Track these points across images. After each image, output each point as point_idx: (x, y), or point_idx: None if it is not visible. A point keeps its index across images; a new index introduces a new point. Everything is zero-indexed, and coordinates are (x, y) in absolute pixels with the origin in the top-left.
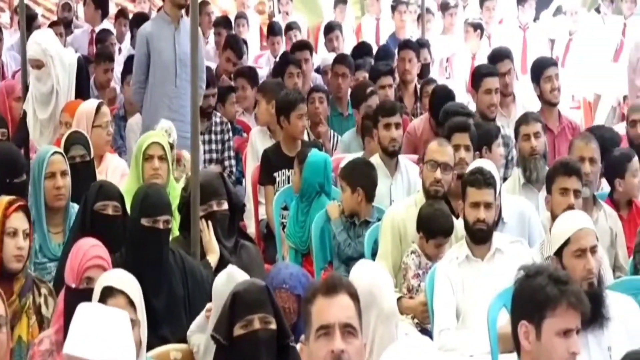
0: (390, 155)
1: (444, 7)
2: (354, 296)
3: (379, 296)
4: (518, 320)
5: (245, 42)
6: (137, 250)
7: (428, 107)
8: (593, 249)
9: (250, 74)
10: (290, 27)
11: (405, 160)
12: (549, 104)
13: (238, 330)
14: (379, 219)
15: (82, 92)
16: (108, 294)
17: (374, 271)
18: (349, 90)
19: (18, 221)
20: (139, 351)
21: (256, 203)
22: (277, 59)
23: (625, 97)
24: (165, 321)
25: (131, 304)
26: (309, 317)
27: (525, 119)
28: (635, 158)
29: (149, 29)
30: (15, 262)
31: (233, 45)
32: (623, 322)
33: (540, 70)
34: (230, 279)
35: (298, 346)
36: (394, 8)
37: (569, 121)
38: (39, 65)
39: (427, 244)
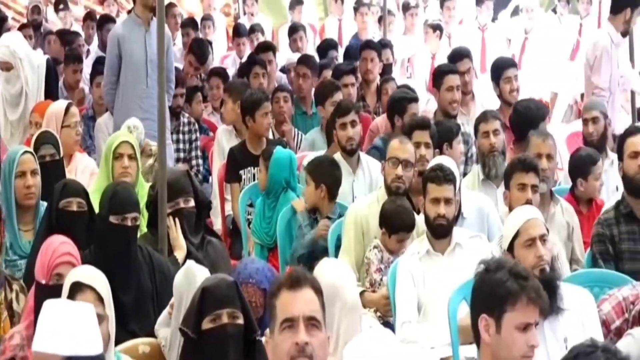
0: (349, 153)
1: (405, 8)
2: (318, 290)
3: (342, 290)
4: (479, 313)
5: (210, 44)
6: (106, 247)
7: (386, 108)
8: (542, 238)
9: (223, 73)
10: (253, 29)
11: (367, 157)
12: (507, 103)
13: (207, 324)
14: (341, 215)
15: (51, 93)
16: (77, 289)
17: (337, 267)
18: (313, 90)
19: None
20: (108, 345)
21: (222, 200)
22: (243, 60)
23: (582, 95)
24: (133, 316)
25: (100, 299)
26: (274, 310)
27: (484, 116)
28: (600, 162)
29: (120, 31)
30: None
31: (195, 50)
32: (579, 314)
33: (500, 71)
34: (188, 275)
35: (263, 339)
36: (356, 9)
37: None
38: (8, 67)
39: (389, 239)
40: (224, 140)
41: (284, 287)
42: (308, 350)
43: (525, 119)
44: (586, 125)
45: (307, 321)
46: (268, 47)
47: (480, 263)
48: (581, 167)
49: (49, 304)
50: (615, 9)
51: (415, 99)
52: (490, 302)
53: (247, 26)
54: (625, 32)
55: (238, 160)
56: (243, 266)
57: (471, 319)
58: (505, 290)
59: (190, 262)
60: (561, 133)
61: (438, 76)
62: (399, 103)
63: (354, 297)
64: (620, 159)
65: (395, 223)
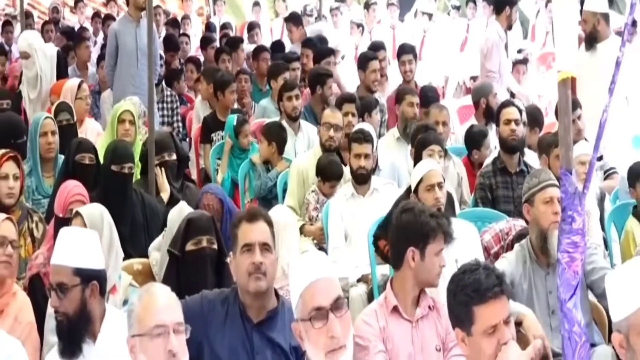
0: (293, 119)
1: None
2: (270, 223)
3: (286, 226)
4: (406, 246)
5: (188, 37)
6: (108, 189)
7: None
8: (440, 185)
9: (196, 61)
10: (224, 26)
11: (306, 123)
12: (407, 82)
13: (190, 247)
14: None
15: (61, 76)
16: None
17: (284, 210)
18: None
19: (9, 167)
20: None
21: (197, 156)
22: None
23: (473, 77)
24: (129, 242)
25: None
26: (236, 238)
27: (404, 91)
28: (489, 136)
29: (116, 27)
30: (7, 199)
31: (167, 44)
32: (466, 242)
33: (399, 55)
34: (181, 211)
35: (228, 260)
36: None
37: None
38: (26, 56)
39: (323, 185)
40: (200, 110)
41: (243, 220)
42: (262, 268)
43: (427, 97)
44: (478, 107)
45: (261, 246)
46: (239, 40)
47: (395, 204)
48: (476, 140)
49: (63, 231)
50: (498, 9)
51: (330, 75)
52: (417, 237)
53: (217, 24)
54: (509, 27)
55: (210, 126)
56: (207, 186)
57: (395, 248)
58: (429, 228)
59: (183, 203)
60: (453, 106)
61: (363, 61)
62: (318, 76)
63: (295, 231)
64: (497, 124)
65: (328, 173)
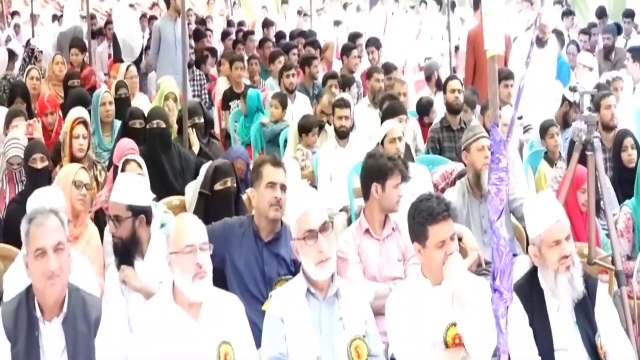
0: (290, 92)
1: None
2: (285, 170)
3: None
4: (371, 182)
5: (211, 31)
6: (153, 144)
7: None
8: (399, 138)
9: (214, 50)
10: (242, 23)
11: (300, 95)
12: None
13: (217, 187)
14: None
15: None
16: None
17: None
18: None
19: (79, 129)
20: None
21: (220, 119)
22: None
23: (427, 58)
24: (171, 184)
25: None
26: (260, 175)
27: (372, 70)
28: (434, 105)
29: (159, 23)
30: (79, 153)
31: (196, 37)
32: (420, 180)
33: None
34: (210, 167)
35: (244, 196)
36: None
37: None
38: None
39: (306, 137)
40: (222, 85)
41: (268, 162)
42: (281, 202)
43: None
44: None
45: (281, 186)
46: (250, 33)
47: (367, 153)
48: (425, 108)
49: (120, 176)
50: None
51: (314, 57)
52: (378, 175)
53: (235, 21)
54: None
55: (228, 97)
56: (235, 150)
57: (364, 184)
58: (387, 167)
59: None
60: (410, 81)
61: (347, 50)
62: (306, 59)
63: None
64: (445, 92)
65: (305, 125)
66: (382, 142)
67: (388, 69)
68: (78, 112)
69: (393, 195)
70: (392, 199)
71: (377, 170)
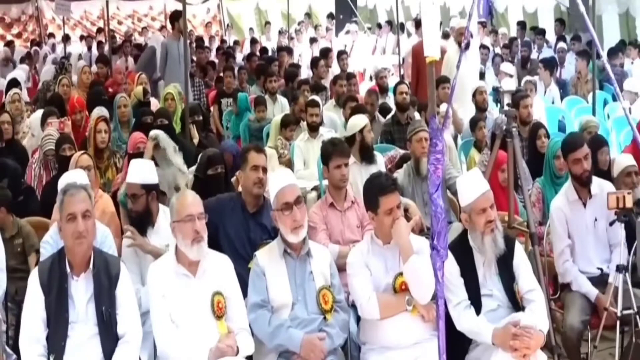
0: (273, 94)
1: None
2: (266, 155)
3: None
4: (325, 164)
5: (209, 49)
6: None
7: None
8: (366, 128)
9: (212, 63)
10: (236, 42)
11: (280, 97)
12: (342, 70)
13: (210, 172)
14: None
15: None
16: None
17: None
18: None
19: (102, 125)
20: None
21: (215, 118)
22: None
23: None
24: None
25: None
26: (246, 160)
27: (337, 77)
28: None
29: (166, 42)
30: (101, 144)
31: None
32: (377, 162)
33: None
34: (203, 155)
35: (233, 178)
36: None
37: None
38: None
39: (284, 131)
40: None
41: (252, 150)
42: (263, 181)
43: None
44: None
45: (263, 168)
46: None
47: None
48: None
49: (133, 161)
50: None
51: (298, 66)
52: (324, 157)
53: (229, 41)
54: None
55: (220, 95)
56: (226, 144)
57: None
58: (329, 151)
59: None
60: (368, 86)
61: (315, 62)
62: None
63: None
64: (395, 94)
65: (285, 121)
66: (361, 131)
67: (349, 76)
68: (100, 111)
69: (335, 174)
70: (335, 177)
71: (322, 154)
